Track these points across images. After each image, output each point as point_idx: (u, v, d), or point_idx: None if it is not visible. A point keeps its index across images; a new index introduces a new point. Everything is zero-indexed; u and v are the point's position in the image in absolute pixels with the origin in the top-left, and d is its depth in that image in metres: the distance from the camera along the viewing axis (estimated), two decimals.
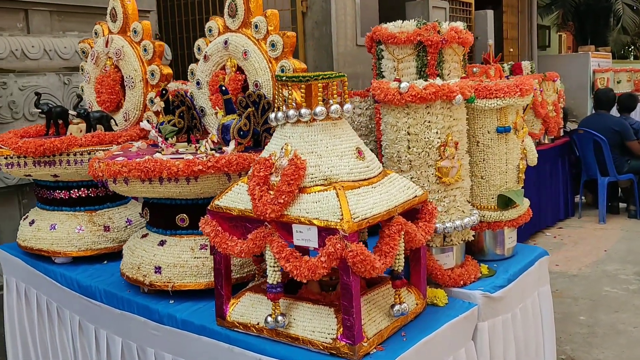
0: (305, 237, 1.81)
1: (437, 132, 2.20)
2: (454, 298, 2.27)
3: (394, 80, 2.69)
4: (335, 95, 1.91)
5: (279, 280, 1.88)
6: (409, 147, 2.24)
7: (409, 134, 2.23)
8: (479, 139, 2.49)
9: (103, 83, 2.97)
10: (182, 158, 2.22)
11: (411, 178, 2.25)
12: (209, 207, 2.00)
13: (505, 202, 2.50)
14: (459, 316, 2.11)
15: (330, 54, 6.12)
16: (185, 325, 2.16)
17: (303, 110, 1.88)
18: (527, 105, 2.53)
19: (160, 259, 2.29)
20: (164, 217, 2.36)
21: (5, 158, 2.59)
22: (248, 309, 2.02)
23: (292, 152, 1.88)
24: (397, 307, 1.93)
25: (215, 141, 2.35)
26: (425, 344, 1.93)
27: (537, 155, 2.59)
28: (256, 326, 1.96)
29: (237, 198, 1.95)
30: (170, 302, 2.28)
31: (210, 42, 2.70)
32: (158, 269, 2.28)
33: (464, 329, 2.15)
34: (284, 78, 1.92)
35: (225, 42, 2.59)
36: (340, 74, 1.96)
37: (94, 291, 2.51)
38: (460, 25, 2.71)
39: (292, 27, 6.24)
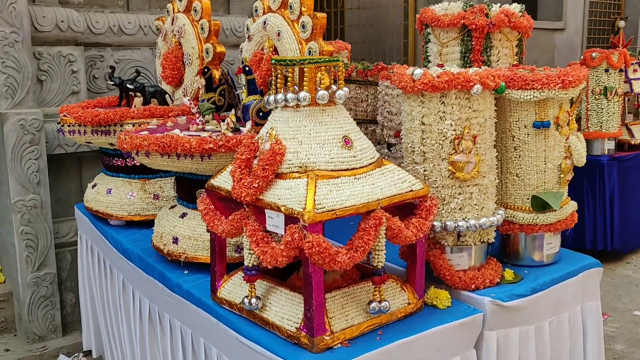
0: (275, 223, 1.80)
1: (451, 124, 2.05)
2: (461, 302, 2.12)
3: (437, 66, 2.55)
4: (323, 81, 1.85)
5: (255, 263, 1.90)
6: (423, 138, 2.11)
7: (422, 124, 2.10)
8: (514, 133, 2.27)
9: (167, 59, 3.14)
10: (199, 135, 2.29)
11: (424, 171, 2.12)
12: (205, 185, 2.06)
13: (541, 205, 2.28)
14: (454, 322, 1.97)
15: None
16: (188, 295, 2.25)
17: (288, 95, 1.85)
18: (576, 98, 2.26)
19: (178, 231, 2.40)
20: (187, 190, 2.47)
21: (69, 126, 2.84)
22: (236, 287, 2.06)
23: (275, 136, 1.86)
24: (374, 305, 1.86)
25: (235, 120, 2.39)
26: (400, 346, 1.84)
27: (584, 155, 2.31)
28: (238, 305, 1.99)
29: (227, 178, 1.98)
30: (185, 272, 2.39)
31: (255, 21, 2.74)
32: (175, 240, 2.40)
33: (461, 336, 2.01)
34: (274, 61, 1.90)
35: (265, 22, 2.61)
36: (333, 58, 1.89)
37: (131, 254, 2.70)
38: (515, 7, 2.49)
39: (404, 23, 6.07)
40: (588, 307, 2.45)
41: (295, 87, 1.87)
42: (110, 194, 2.94)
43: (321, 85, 1.86)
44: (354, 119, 2.05)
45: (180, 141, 2.23)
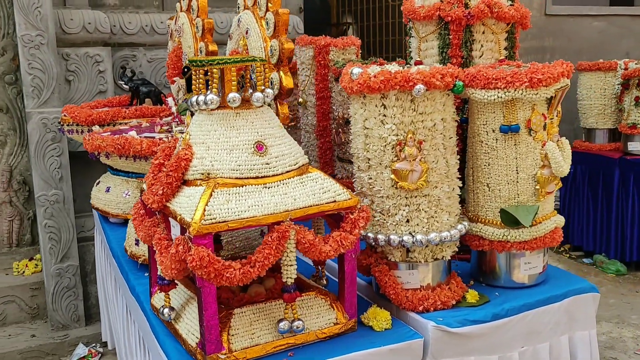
0: (175, 232, 1.72)
1: (392, 128, 1.85)
2: (405, 325, 1.93)
3: (415, 63, 2.36)
4: (233, 83, 1.74)
5: None
6: (366, 144, 1.93)
7: (365, 128, 1.92)
8: (482, 138, 2.02)
9: (170, 58, 3.14)
10: (153, 137, 2.26)
11: (369, 179, 1.95)
12: (140, 190, 2.02)
13: (511, 219, 2.01)
14: (382, 347, 1.79)
15: None
16: (137, 299, 2.24)
17: (199, 98, 1.76)
18: (555, 99, 1.96)
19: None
20: None
21: (68, 125, 2.93)
22: (169, 295, 2.00)
23: (187, 141, 1.78)
24: (283, 324, 1.72)
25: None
26: None
27: (564, 165, 2.00)
28: (161, 314, 1.94)
29: None
30: (145, 274, 2.37)
31: None
32: (137, 242, 2.39)
33: None
34: (188, 62, 1.81)
35: (239, 20, 2.52)
36: (248, 58, 1.77)
37: (115, 252, 2.74)
38: None
39: None
40: (579, 338, 2.14)
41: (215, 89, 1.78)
42: (108, 192, 3.01)
43: (232, 88, 1.74)
44: None
45: (133, 143, 2.21)
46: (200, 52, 2.94)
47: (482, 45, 2.23)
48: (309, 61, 3.13)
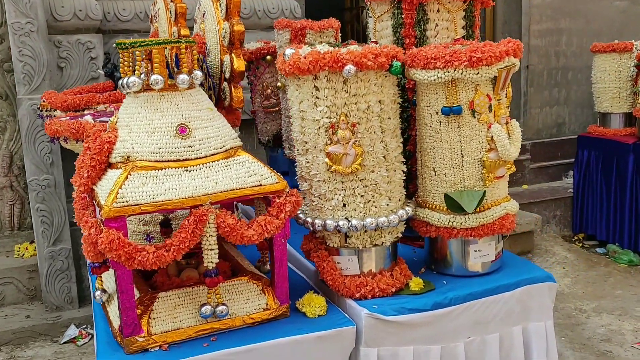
0: (99, 216, 1.72)
1: (324, 111, 1.80)
2: (340, 312, 1.89)
3: (371, 43, 2.30)
4: (156, 65, 1.72)
5: None
6: (302, 127, 1.89)
7: (300, 110, 1.87)
8: (426, 121, 1.95)
9: None
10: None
11: (306, 163, 1.91)
12: None
13: (455, 205, 1.93)
14: (309, 334, 1.76)
15: (519, 7, 5.27)
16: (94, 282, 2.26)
17: (123, 81, 1.74)
18: (500, 79, 1.86)
19: None
20: None
21: (47, 110, 2.97)
22: (107, 279, 2.01)
23: (114, 124, 1.77)
24: (205, 308, 1.71)
25: None
26: (230, 355, 1.67)
27: (511, 147, 1.90)
28: (94, 296, 1.95)
29: None
30: None
31: None
32: None
33: (324, 350, 1.78)
34: (116, 44, 1.80)
35: (199, 4, 2.50)
36: (170, 40, 1.75)
37: None
38: None
39: None
40: (534, 329, 2.06)
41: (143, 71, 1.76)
42: None
43: (154, 70, 1.73)
44: None
45: (86, 127, 2.22)
46: (174, 37, 2.93)
47: (436, 25, 2.14)
48: (286, 44, 3.09)
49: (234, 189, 1.70)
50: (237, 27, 2.19)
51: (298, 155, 1.94)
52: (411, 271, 2.03)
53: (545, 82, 5.50)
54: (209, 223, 1.65)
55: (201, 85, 2.30)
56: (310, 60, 1.75)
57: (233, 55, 2.19)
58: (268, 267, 2.07)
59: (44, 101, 2.99)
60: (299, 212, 2.00)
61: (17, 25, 3.45)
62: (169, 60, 1.81)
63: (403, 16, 2.13)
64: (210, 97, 2.39)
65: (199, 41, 2.46)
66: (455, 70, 1.81)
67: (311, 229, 1.94)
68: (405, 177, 1.97)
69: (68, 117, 2.40)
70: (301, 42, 3.04)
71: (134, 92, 1.74)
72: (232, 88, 2.26)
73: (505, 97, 1.94)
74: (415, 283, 1.96)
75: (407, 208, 1.95)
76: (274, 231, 1.73)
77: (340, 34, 3.17)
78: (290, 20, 3.09)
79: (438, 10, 2.13)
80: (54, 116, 2.93)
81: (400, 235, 1.98)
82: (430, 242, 2.11)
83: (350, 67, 1.74)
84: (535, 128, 5.52)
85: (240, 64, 2.16)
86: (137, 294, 1.78)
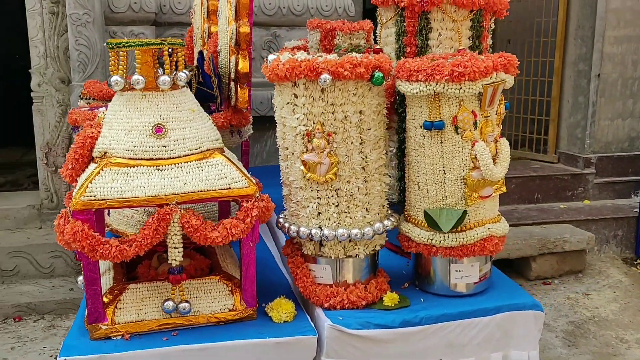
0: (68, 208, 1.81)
1: (301, 118, 1.80)
2: (307, 320, 1.89)
3: (374, 51, 2.27)
4: (137, 65, 1.78)
5: None
6: (283, 132, 1.89)
7: (281, 116, 1.88)
8: (411, 134, 1.90)
9: (186, 39, 3.25)
10: None
11: (286, 168, 1.91)
12: None
13: (433, 223, 1.88)
14: (268, 339, 1.77)
15: (594, 11, 4.95)
16: None
17: (112, 79, 1.82)
18: (486, 95, 1.78)
19: None
20: None
21: (86, 99, 3.15)
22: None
23: (101, 120, 1.86)
24: (167, 303, 1.76)
25: None
26: (183, 352, 1.72)
27: (496, 168, 1.81)
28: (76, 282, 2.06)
29: None
30: None
31: None
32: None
33: (280, 356, 1.78)
34: (106, 44, 1.88)
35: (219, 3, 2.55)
36: (152, 41, 1.80)
37: None
38: None
39: None
40: (516, 357, 1.96)
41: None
42: None
43: (137, 70, 1.79)
44: None
45: (87, 117, 2.33)
46: (205, 33, 3.02)
47: (439, 34, 2.07)
48: (317, 45, 3.10)
49: (201, 191, 1.73)
50: (242, 28, 2.23)
51: (280, 161, 1.95)
52: (395, 285, 2.00)
53: (619, 92, 5.15)
54: (173, 222, 1.70)
55: (200, 83, 2.36)
56: (287, 67, 1.75)
57: (239, 56, 2.23)
58: None
59: (84, 90, 3.16)
60: (280, 216, 2.01)
61: (75, 16, 3.67)
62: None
63: (405, 24, 2.08)
64: (216, 96, 2.45)
65: (187, 42, 2.51)
66: (437, 84, 1.75)
67: (288, 234, 1.95)
68: (387, 190, 1.93)
69: (88, 108, 2.53)
70: (330, 43, 3.03)
71: (120, 91, 1.82)
72: (238, 88, 2.30)
73: (496, 114, 1.85)
74: (390, 298, 1.92)
75: (386, 221, 1.92)
76: (240, 235, 1.75)
77: (373, 36, 3.13)
78: (321, 20, 3.09)
79: (442, 19, 2.06)
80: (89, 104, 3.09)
81: (378, 248, 1.95)
82: (415, 257, 2.06)
83: (326, 77, 1.72)
84: (603, 141, 5.19)
85: (244, 66, 2.20)
86: (110, 282, 1.87)
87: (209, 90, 2.46)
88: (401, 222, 2.01)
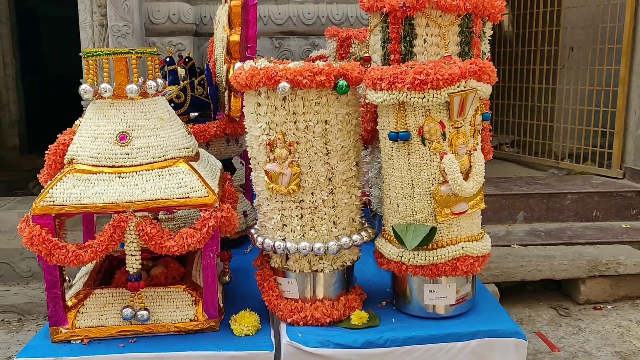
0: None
1: (263, 127, 1.76)
2: (268, 335, 1.83)
3: (365, 59, 2.21)
4: (105, 74, 1.81)
5: None
6: (251, 141, 1.86)
7: (248, 125, 1.85)
8: (381, 145, 1.81)
9: (210, 47, 3.30)
10: None
11: (255, 178, 1.88)
12: None
13: (400, 239, 1.77)
14: (222, 352, 1.74)
15: None
16: None
17: (80, 87, 1.85)
18: (452, 105, 1.66)
19: None
20: None
21: None
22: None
23: (76, 127, 1.90)
24: (126, 310, 1.77)
25: None
26: (137, 359, 1.72)
27: (466, 183, 1.68)
28: None
29: None
30: None
31: None
32: None
33: None
34: (81, 53, 1.92)
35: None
36: (120, 50, 1.82)
37: None
38: None
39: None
40: None
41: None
42: None
43: (105, 79, 1.82)
44: None
45: None
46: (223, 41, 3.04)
47: (424, 40, 1.96)
48: (334, 53, 3.05)
49: (159, 199, 1.73)
50: (232, 37, 2.23)
51: (252, 170, 1.92)
52: (375, 304, 1.92)
53: None
54: (129, 230, 1.71)
55: (184, 91, 2.37)
56: (247, 76, 1.72)
57: (231, 65, 2.23)
58: (227, 278, 2.08)
59: None
60: (252, 228, 1.98)
61: (115, 28, 3.82)
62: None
63: (389, 30, 1.99)
64: (210, 105, 2.46)
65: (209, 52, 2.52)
66: (400, 92, 1.65)
67: (255, 246, 1.91)
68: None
69: None
70: (346, 51, 2.97)
71: (92, 100, 1.85)
72: (232, 97, 2.30)
73: (470, 125, 1.72)
74: (358, 317, 1.83)
75: (355, 236, 1.83)
76: (196, 244, 1.73)
77: None
78: (338, 28, 3.03)
79: (427, 25, 1.95)
80: None
81: (348, 263, 1.87)
82: (392, 275, 1.95)
83: (284, 85, 1.67)
84: None
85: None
86: (80, 287, 1.91)
87: (207, 99, 2.47)
88: (378, 238, 1.92)
